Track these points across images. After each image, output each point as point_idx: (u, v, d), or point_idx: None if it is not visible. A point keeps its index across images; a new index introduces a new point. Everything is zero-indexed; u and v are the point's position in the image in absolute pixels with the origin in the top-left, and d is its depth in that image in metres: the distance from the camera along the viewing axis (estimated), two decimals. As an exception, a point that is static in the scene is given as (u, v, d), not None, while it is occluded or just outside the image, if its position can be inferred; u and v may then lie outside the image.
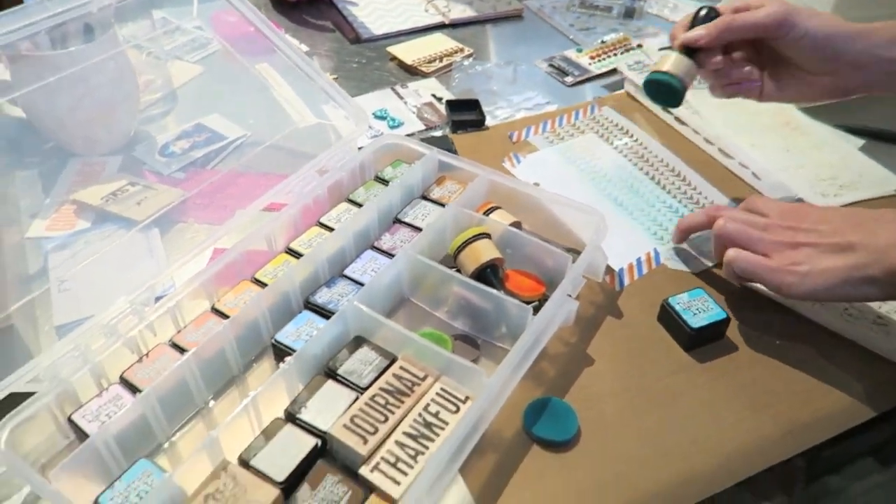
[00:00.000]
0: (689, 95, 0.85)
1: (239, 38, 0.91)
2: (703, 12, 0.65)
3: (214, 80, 0.91)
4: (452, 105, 0.84)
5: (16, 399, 0.47)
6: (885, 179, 0.76)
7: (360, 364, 0.52)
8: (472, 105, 0.84)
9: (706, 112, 0.82)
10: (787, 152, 0.79)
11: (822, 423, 0.54)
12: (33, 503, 0.48)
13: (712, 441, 0.52)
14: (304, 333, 0.54)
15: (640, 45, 0.99)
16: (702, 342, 0.58)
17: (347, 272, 0.60)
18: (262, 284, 0.58)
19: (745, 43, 0.66)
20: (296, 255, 0.61)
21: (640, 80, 0.87)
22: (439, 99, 0.87)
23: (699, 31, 0.63)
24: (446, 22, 1.04)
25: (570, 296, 0.57)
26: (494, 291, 0.55)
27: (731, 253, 0.57)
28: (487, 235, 0.60)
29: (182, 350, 0.52)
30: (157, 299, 0.55)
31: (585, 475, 0.50)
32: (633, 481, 0.49)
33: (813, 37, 0.61)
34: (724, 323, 0.58)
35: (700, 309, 0.58)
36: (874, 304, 0.62)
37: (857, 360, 0.58)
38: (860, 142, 0.81)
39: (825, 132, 0.83)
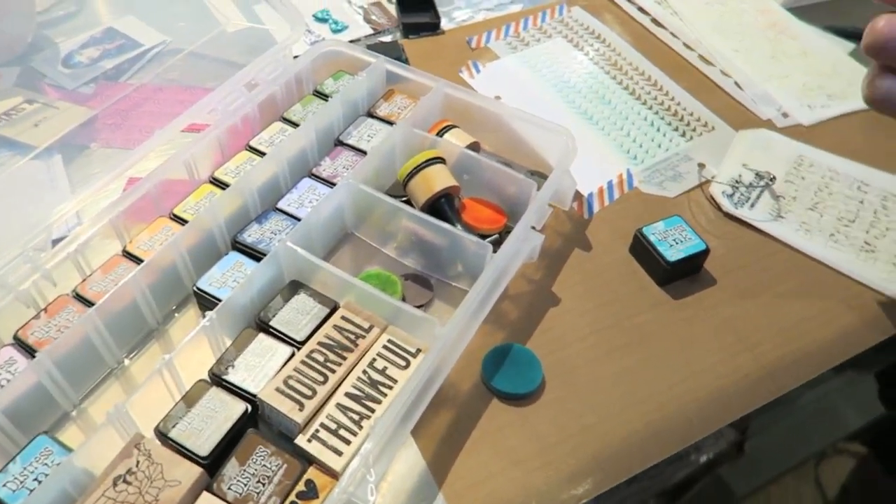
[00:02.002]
0: (667, -7, 0.77)
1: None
2: None
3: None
4: (403, 5, 0.74)
5: None
6: (877, 88, 0.69)
7: (296, 313, 0.45)
8: (426, 5, 0.74)
9: (686, 13, 0.74)
10: (772, 59, 0.72)
11: (806, 360, 0.50)
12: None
13: (689, 385, 0.48)
14: (231, 279, 0.47)
15: (614, -65, 0.88)
16: (678, 276, 0.53)
17: (281, 205, 0.52)
18: (182, 221, 0.50)
19: None
20: (221, 185, 0.53)
21: (614, -25, 0.78)
22: (389, -2, 0.77)
23: None
24: None
25: (534, 228, 0.51)
26: (448, 226, 0.49)
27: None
28: (441, 160, 0.53)
29: (88, 303, 0.45)
30: (58, 241, 0.47)
31: (550, 429, 0.45)
32: (603, 433, 0.45)
33: None
34: (704, 254, 0.52)
35: (677, 240, 0.52)
36: (862, 227, 0.57)
37: (843, 290, 0.54)
38: (851, 45, 0.74)
39: (814, 35, 0.75)
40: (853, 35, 0.75)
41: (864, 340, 0.51)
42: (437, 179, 0.51)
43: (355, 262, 0.54)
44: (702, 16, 0.75)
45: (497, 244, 0.49)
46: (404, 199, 0.54)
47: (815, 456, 0.50)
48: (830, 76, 0.70)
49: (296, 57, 0.63)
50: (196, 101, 0.57)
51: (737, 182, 0.60)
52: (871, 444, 0.54)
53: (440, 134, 0.57)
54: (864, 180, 0.61)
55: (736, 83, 0.69)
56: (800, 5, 0.79)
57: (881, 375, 0.56)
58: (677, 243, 0.52)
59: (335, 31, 0.73)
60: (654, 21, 0.75)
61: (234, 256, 0.49)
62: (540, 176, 0.58)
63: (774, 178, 0.59)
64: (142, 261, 0.47)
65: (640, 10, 0.76)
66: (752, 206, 0.58)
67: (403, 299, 0.50)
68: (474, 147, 0.57)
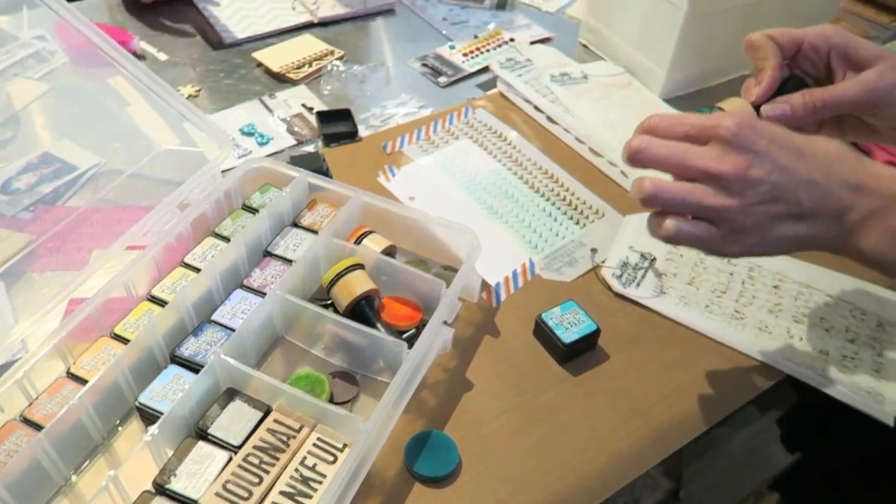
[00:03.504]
0: (560, 94, 0.87)
1: (90, 49, 0.84)
2: (789, 82, 0.54)
3: (63, 100, 0.84)
4: (323, 116, 0.81)
5: None
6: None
7: (232, 420, 0.50)
8: (343, 115, 0.82)
9: (577, 109, 0.84)
10: (652, 147, 0.82)
11: (689, 421, 0.57)
12: None
13: (591, 452, 0.54)
14: (171, 392, 0.51)
15: (512, 40, 0.99)
16: (575, 355, 0.60)
17: (216, 317, 0.57)
18: (123, 340, 0.54)
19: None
20: (159, 302, 0.58)
21: (512, 79, 0.87)
22: (310, 109, 0.84)
23: (783, 108, 0.52)
24: (315, 21, 1.00)
25: (446, 322, 0.57)
26: (367, 329, 0.55)
27: (669, 225, 0.47)
28: (360, 266, 0.59)
29: (36, 426, 0.48)
30: (3, 367, 0.51)
31: (468, 506, 0.50)
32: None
33: None
34: (596, 334, 0.60)
35: (572, 322, 0.60)
36: (732, 297, 0.66)
37: (717, 356, 0.62)
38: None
39: (687, 124, 0.86)
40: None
41: (737, 400, 0.59)
42: (357, 285, 0.58)
43: (287, 363, 0.59)
44: (591, 111, 0.85)
45: (415, 338, 0.55)
46: (329, 302, 0.60)
47: (752, 495, 0.56)
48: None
49: (226, 171, 0.69)
50: (132, 220, 0.62)
51: (624, 264, 0.68)
52: (800, 482, 0.60)
53: (359, 240, 0.63)
54: (733, 254, 0.70)
55: (622, 171, 0.78)
56: (675, 96, 0.91)
57: (781, 422, 0.64)
58: (572, 326, 0.59)
59: (261, 144, 0.79)
60: (549, 118, 0.84)
61: (173, 370, 0.53)
62: (452, 271, 0.64)
63: (655, 258, 0.68)
64: (86, 381, 0.51)
65: (536, 108, 0.86)
66: (638, 285, 0.66)
67: (331, 396, 0.55)
68: (391, 250, 0.64)
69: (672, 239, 0.48)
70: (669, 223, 0.47)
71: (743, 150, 0.46)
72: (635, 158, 0.48)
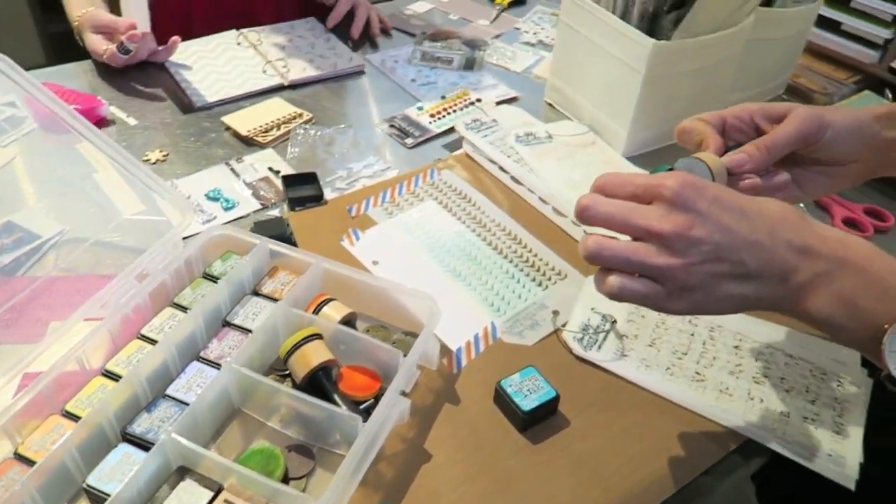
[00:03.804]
0: (524, 154, 0.88)
1: (56, 116, 0.85)
2: (729, 150, 0.57)
3: (30, 167, 0.84)
4: (289, 180, 0.82)
5: None
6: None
7: (181, 500, 0.49)
8: (309, 178, 0.83)
9: (541, 169, 0.85)
10: (615, 206, 0.83)
11: (651, 489, 0.57)
12: None
13: (549, 524, 0.54)
14: (120, 472, 0.51)
15: (478, 100, 1.01)
16: (535, 422, 0.60)
17: (170, 391, 0.57)
18: (74, 417, 0.54)
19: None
20: (114, 376, 0.57)
21: (477, 139, 0.89)
22: (277, 172, 0.85)
23: (742, 156, 0.55)
24: (286, 83, 1.02)
25: (403, 392, 0.57)
26: (321, 402, 0.54)
27: (613, 282, 0.48)
28: (318, 336, 0.59)
29: (-22, 511, 0.47)
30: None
31: (424, 585, 0.49)
32: (472, 583, 0.50)
33: (845, 130, 0.57)
34: (555, 400, 0.60)
35: (531, 389, 0.60)
36: (693, 359, 0.66)
37: (678, 419, 0.61)
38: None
39: (649, 182, 0.88)
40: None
41: (700, 464, 0.58)
42: (313, 356, 0.57)
43: (244, 435, 0.58)
44: (555, 171, 0.86)
45: (373, 408, 0.55)
46: (288, 372, 0.60)
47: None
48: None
49: (188, 237, 0.69)
50: (92, 290, 0.62)
51: (586, 326, 0.68)
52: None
53: (319, 307, 0.63)
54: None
55: (585, 231, 0.79)
56: (637, 154, 0.92)
57: (755, 477, 0.63)
58: (531, 393, 0.59)
59: (227, 209, 0.80)
60: (514, 179, 0.86)
61: (123, 448, 0.52)
62: (414, 336, 0.64)
63: (616, 320, 0.68)
64: (33, 462, 0.50)
65: (501, 169, 0.87)
66: (600, 347, 0.66)
67: (286, 471, 0.54)
68: (351, 317, 0.64)
69: (616, 296, 0.48)
70: (613, 280, 0.48)
71: (685, 209, 0.46)
72: (583, 216, 0.49)
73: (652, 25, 0.86)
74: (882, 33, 1.07)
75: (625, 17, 0.86)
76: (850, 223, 0.85)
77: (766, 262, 0.47)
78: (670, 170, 0.52)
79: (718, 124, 0.57)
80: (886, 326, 0.45)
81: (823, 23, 1.13)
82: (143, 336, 0.60)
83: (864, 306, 0.46)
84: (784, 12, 0.96)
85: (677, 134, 0.58)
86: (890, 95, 1.04)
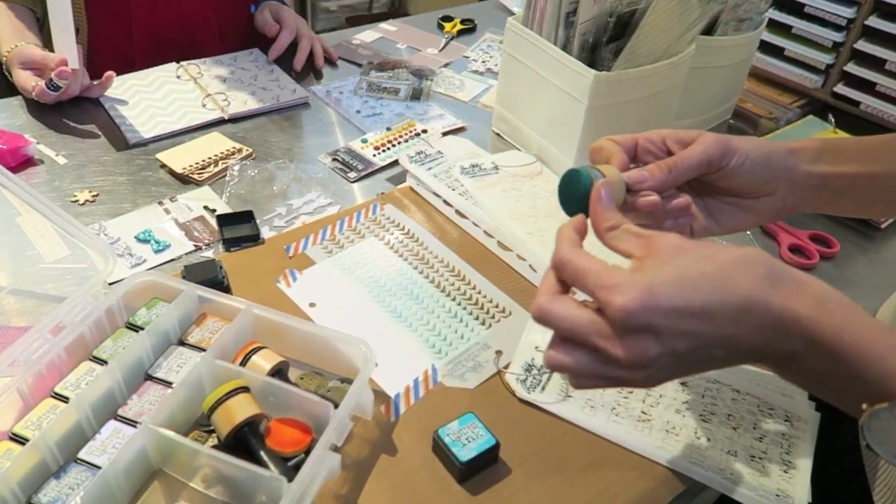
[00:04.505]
0: (470, 186, 0.86)
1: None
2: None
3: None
4: (224, 220, 0.79)
5: None
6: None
7: (87, 579, 0.45)
8: (246, 217, 0.80)
9: (487, 201, 0.83)
10: (561, 239, 0.82)
11: (595, 539, 0.54)
12: None
13: (489, 583, 0.51)
14: (21, 549, 0.47)
15: (424, 131, 0.99)
16: (475, 472, 0.57)
17: (83, 454, 0.53)
18: (-26, 489, 0.50)
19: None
20: (21, 440, 0.53)
21: (421, 173, 0.87)
22: (212, 211, 0.82)
23: (642, 174, 0.54)
24: (226, 117, 0.99)
25: (336, 446, 0.54)
26: (242, 463, 0.51)
27: (582, 385, 0.47)
28: (245, 389, 0.56)
29: None
30: None
31: None
32: None
33: (753, 159, 0.56)
34: (495, 449, 0.57)
35: (470, 437, 0.57)
36: (639, 398, 0.64)
37: (625, 462, 0.59)
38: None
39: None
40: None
41: (646, 510, 0.56)
42: (237, 411, 0.54)
43: (166, 497, 0.54)
44: (501, 202, 0.84)
45: (302, 464, 0.52)
46: (212, 428, 0.56)
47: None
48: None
49: (113, 283, 0.66)
50: (6, 343, 0.58)
51: (529, 366, 0.66)
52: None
53: (248, 356, 0.60)
54: (640, 350, 0.69)
55: (530, 266, 0.77)
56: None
57: None
58: (470, 441, 0.57)
59: (157, 251, 0.76)
60: (458, 212, 0.84)
61: (27, 522, 0.48)
62: (350, 382, 0.61)
63: (560, 359, 0.66)
64: (-77, 542, 0.46)
65: (446, 202, 0.85)
66: (543, 388, 0.64)
67: (208, 538, 0.51)
68: (282, 366, 0.61)
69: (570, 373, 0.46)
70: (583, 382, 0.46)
71: (639, 330, 0.43)
72: (541, 322, 0.45)
73: (593, 56, 0.86)
74: (824, 59, 1.09)
75: (566, 48, 0.85)
76: (797, 250, 0.85)
77: (734, 349, 0.44)
78: (572, 172, 0.51)
79: (630, 146, 0.57)
80: (864, 407, 0.43)
81: (767, 48, 1.15)
82: (57, 394, 0.57)
83: (837, 386, 0.45)
84: (725, 40, 0.97)
85: (590, 152, 0.57)
86: (832, 120, 1.05)
